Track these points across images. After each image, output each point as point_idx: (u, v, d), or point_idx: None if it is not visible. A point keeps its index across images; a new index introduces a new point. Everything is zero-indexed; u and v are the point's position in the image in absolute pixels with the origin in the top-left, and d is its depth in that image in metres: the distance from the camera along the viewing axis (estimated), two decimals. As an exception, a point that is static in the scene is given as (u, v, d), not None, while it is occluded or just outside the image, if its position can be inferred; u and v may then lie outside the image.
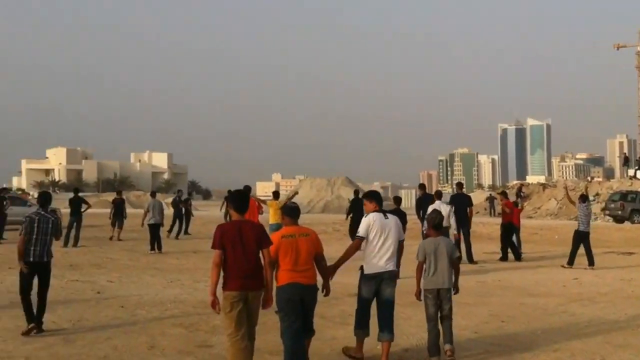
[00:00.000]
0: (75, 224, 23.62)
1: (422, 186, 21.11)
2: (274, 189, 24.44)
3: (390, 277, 7.99)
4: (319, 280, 7.45)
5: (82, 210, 24.40)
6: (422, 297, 8.20)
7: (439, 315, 8.13)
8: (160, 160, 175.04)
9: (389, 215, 8.11)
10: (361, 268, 8.07)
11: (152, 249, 21.55)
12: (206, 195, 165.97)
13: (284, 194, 53.88)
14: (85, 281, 14.64)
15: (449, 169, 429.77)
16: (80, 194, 25.47)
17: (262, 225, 7.33)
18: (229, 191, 8.65)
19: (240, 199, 7.10)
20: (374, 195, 8.35)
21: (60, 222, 10.00)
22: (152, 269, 17.31)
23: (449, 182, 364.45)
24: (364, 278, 7.96)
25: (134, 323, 10.13)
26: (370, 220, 7.92)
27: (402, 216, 16.06)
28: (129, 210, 31.90)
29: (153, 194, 24.43)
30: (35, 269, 9.56)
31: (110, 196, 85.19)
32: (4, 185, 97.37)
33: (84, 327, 9.84)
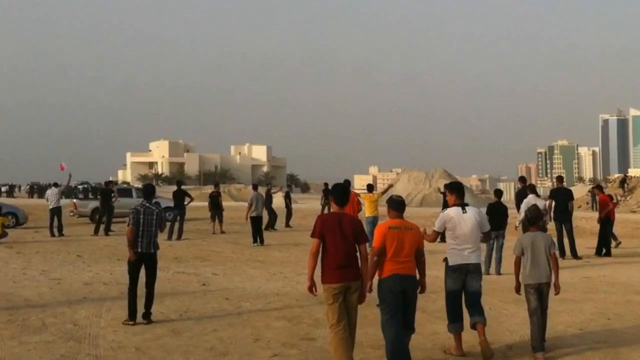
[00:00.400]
0: (178, 217, 24.32)
1: (522, 179, 20.65)
2: (370, 182, 24.45)
3: (476, 269, 8.04)
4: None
5: (185, 203, 25.17)
6: (522, 292, 8.12)
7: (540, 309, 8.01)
8: (259, 153, 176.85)
9: (467, 208, 8.15)
10: (445, 260, 8.12)
11: (255, 241, 21.96)
12: (304, 188, 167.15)
13: (381, 187, 53.72)
14: (191, 273, 15.07)
15: (548, 161, 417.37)
16: (182, 187, 26.23)
17: (360, 220, 7.46)
18: (326, 184, 8.79)
19: (341, 192, 7.31)
20: (454, 188, 8.39)
21: (163, 214, 10.32)
22: (255, 261, 17.65)
23: (548, 175, 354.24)
24: (449, 270, 8.02)
25: (238, 315, 10.38)
26: (447, 215, 8.05)
27: (503, 210, 15.81)
28: (230, 203, 32.66)
29: (255, 187, 24.80)
30: (143, 260, 9.93)
31: (210, 189, 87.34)
32: (110, 178, 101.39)
33: (190, 318, 10.15)
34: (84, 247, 20.73)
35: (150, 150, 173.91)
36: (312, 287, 6.99)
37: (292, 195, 34.54)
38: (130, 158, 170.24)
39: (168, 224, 22.55)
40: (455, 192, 8.28)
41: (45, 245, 21.02)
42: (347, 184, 17.11)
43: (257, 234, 22.11)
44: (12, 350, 8.13)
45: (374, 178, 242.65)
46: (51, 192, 25.82)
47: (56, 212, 25.25)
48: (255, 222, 22.32)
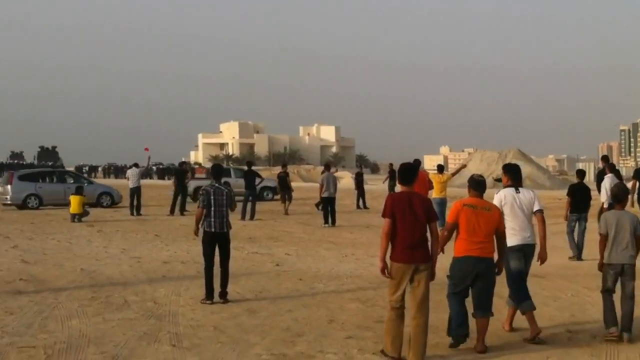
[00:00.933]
0: (250, 197, 24.66)
1: (605, 158, 19.93)
2: (440, 163, 24.23)
3: (531, 251, 8.06)
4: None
5: (257, 183, 25.53)
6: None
7: (615, 294, 7.86)
8: (328, 133, 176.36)
9: (521, 189, 8.13)
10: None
11: (326, 222, 22.12)
12: (374, 169, 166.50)
13: (452, 168, 53.21)
14: (264, 253, 15.33)
15: (632, 140, 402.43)
16: (253, 168, 26.55)
17: (430, 199, 7.44)
18: (391, 165, 8.78)
19: (405, 171, 7.19)
20: (509, 169, 8.39)
21: (233, 194, 10.40)
22: (327, 242, 17.81)
23: (632, 154, 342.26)
24: (510, 251, 7.91)
25: (312, 296, 10.52)
26: (501, 196, 8.01)
27: (585, 191, 15.25)
28: (300, 184, 32.87)
29: (327, 167, 24.89)
30: (216, 239, 10.09)
31: (266, 171, 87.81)
32: (183, 159, 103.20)
33: (265, 298, 10.34)
34: (161, 226, 21.31)
35: (220, 132, 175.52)
36: (384, 269, 6.94)
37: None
38: (201, 139, 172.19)
39: (240, 204, 22.89)
40: (508, 173, 8.27)
41: (125, 225, 21.69)
42: (417, 163, 17.04)
43: (329, 215, 22.25)
44: (96, 326, 8.47)
45: (445, 158, 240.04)
46: (131, 172, 26.53)
47: (136, 191, 25.94)
48: (328, 202, 22.46)
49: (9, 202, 28.26)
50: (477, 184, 7.58)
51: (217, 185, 10.25)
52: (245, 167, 26.37)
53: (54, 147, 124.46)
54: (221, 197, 10.12)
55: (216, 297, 9.96)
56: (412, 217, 6.90)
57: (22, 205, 28.04)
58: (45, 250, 15.45)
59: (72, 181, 29.93)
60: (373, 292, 10.74)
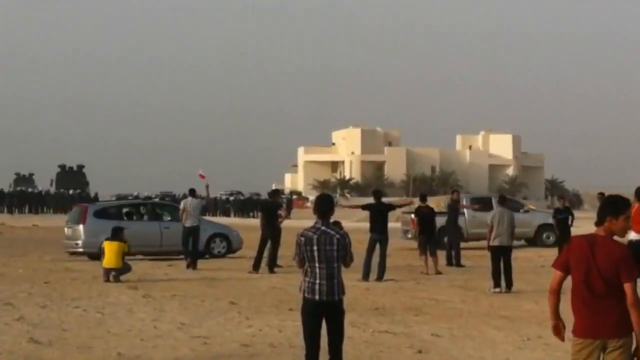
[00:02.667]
0: (378, 244, 24.53)
1: None
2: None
3: None
4: None
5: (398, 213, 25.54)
6: None
7: None
8: (501, 146, 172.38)
9: None
10: None
11: (497, 285, 21.74)
12: (576, 202, 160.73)
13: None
14: (399, 333, 15.20)
15: None
16: (384, 199, 26.41)
17: (623, 247, 7.47)
18: (601, 194, 8.71)
19: (611, 203, 7.48)
20: None
21: (349, 240, 10.16)
22: (498, 317, 17.54)
23: None
24: None
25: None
26: None
27: None
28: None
29: (502, 200, 24.38)
30: (322, 311, 9.95)
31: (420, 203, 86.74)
32: (274, 187, 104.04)
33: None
34: (240, 289, 21.57)
35: (333, 144, 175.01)
36: (558, 326, 7.55)
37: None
38: (303, 156, 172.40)
39: (359, 254, 22.80)
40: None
41: (184, 286, 22.07)
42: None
43: (501, 274, 21.84)
44: None
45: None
46: (189, 204, 27.17)
47: (193, 232, 26.51)
48: (499, 253, 22.05)
49: (80, 249, 29.80)
50: None
51: (323, 228, 10.08)
52: (372, 199, 26.27)
53: (80, 167, 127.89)
54: (330, 246, 9.93)
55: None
56: (596, 271, 7.25)
57: (99, 254, 29.27)
58: (65, 325, 15.78)
59: (169, 218, 31.39)
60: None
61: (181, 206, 28.48)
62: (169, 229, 29.79)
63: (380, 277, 23.96)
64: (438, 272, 26.12)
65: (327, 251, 9.89)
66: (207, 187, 30.61)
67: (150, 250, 29.72)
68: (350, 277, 22.57)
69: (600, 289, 7.23)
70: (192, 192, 28.79)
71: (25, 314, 17.08)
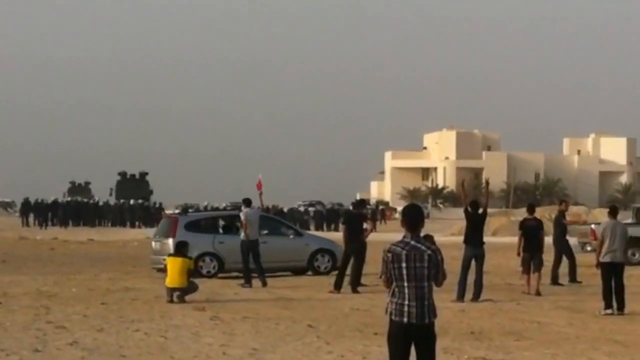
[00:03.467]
0: (474, 260, 24.45)
1: None
2: None
3: None
4: None
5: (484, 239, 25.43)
6: None
7: None
8: (613, 150, 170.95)
9: None
10: None
11: (609, 306, 21.52)
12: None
13: None
14: (498, 360, 15.14)
15: None
16: (480, 210, 26.36)
17: None
18: None
19: None
20: None
21: (442, 257, 9.99)
22: (610, 342, 17.40)
23: None
24: None
25: None
26: None
27: None
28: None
29: (612, 211, 24.09)
30: (411, 335, 9.83)
31: (501, 215, 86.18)
32: (358, 196, 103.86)
33: None
34: (319, 311, 21.63)
35: (424, 148, 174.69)
36: None
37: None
38: (390, 161, 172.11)
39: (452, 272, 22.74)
40: None
41: (257, 307, 22.17)
42: None
43: (613, 294, 21.63)
44: None
45: None
46: (250, 214, 27.49)
47: (254, 246, 26.80)
48: (611, 271, 21.83)
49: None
50: None
51: (412, 242, 9.93)
52: (469, 208, 26.18)
53: (142, 175, 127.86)
54: (420, 263, 9.79)
55: None
56: None
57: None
58: (124, 350, 15.95)
59: (265, 231, 31.53)
60: None
61: (242, 218, 28.59)
62: (266, 244, 29.69)
63: (476, 297, 23.87)
64: (538, 293, 25.87)
65: (416, 268, 9.74)
66: (260, 195, 30.71)
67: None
68: (443, 298, 22.56)
69: None
70: (248, 202, 28.92)
71: (80, 337, 17.27)
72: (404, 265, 9.72)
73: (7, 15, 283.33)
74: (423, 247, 9.81)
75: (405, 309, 9.73)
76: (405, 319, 9.73)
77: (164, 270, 29.68)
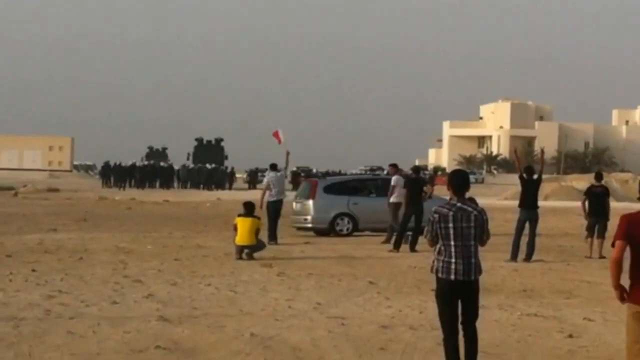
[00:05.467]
0: (528, 222, 24.35)
1: None
2: None
3: None
4: None
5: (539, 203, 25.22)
6: None
7: None
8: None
9: None
10: None
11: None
12: None
13: None
14: (549, 317, 15.05)
15: None
16: (535, 175, 26.20)
17: None
18: None
19: None
20: None
21: (487, 217, 10.21)
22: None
23: None
24: None
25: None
26: None
27: None
28: (613, 204, 31.86)
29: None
30: (458, 291, 9.98)
31: (576, 180, 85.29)
32: (417, 163, 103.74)
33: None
34: (378, 268, 21.62)
35: (481, 118, 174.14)
36: (622, 294, 8.71)
37: None
38: (448, 130, 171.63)
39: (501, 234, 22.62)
40: None
41: (321, 265, 22.23)
42: None
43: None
44: None
45: None
46: (274, 178, 28.08)
47: (276, 207, 27.54)
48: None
49: (309, 224, 31.33)
50: None
51: (459, 204, 10.00)
52: (524, 174, 26.06)
53: (218, 141, 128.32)
54: (467, 223, 9.91)
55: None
56: None
57: (328, 230, 30.36)
58: (196, 303, 16.03)
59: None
60: None
61: (264, 180, 28.94)
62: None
63: (529, 257, 23.71)
64: (602, 257, 25.57)
65: (463, 228, 9.92)
66: (287, 154, 30.13)
67: (380, 226, 30.07)
68: (497, 257, 22.63)
69: None
70: (274, 167, 29.24)
71: (155, 291, 17.42)
72: (450, 225, 9.88)
73: None
74: (469, 208, 10.01)
75: (453, 266, 9.88)
76: (453, 276, 9.88)
77: (304, 229, 30.40)
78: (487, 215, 10.14)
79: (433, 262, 10.02)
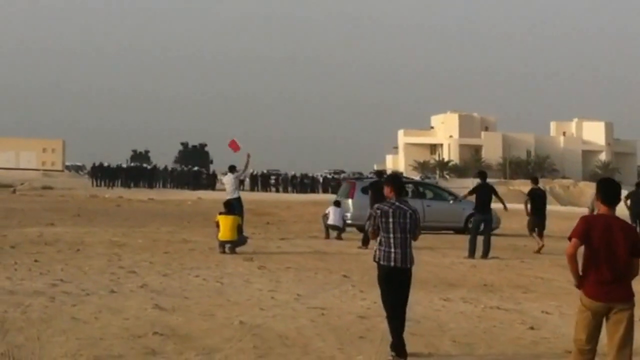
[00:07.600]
0: (483, 224, 24.41)
1: None
2: None
3: None
4: None
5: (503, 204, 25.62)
6: None
7: None
8: (594, 133, 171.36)
9: None
10: None
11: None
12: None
13: None
14: (510, 309, 15.03)
15: None
16: (487, 180, 26.27)
17: (634, 228, 8.70)
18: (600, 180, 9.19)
19: (607, 187, 8.73)
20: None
21: (418, 216, 11.17)
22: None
23: None
24: None
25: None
26: None
27: None
28: (553, 207, 32.16)
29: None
30: (396, 277, 10.92)
31: (523, 185, 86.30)
32: (375, 167, 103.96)
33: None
34: (350, 263, 21.49)
35: (432, 127, 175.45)
36: (580, 286, 8.81)
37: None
38: (402, 138, 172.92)
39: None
40: None
41: (297, 259, 22.09)
42: None
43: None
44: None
45: None
46: (226, 178, 28.23)
47: (233, 204, 26.94)
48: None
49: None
50: None
51: (397, 204, 11.02)
52: (479, 180, 26.10)
53: (202, 146, 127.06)
54: (403, 219, 10.91)
55: None
56: (608, 247, 8.51)
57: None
58: (187, 293, 15.91)
59: (431, 196, 33.59)
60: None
61: (223, 182, 29.30)
62: (430, 207, 31.71)
63: (485, 255, 23.77)
64: (540, 249, 25.87)
65: (401, 223, 10.92)
66: (248, 156, 29.91)
67: None
68: (458, 255, 22.68)
69: (615, 260, 8.55)
70: (232, 168, 29.51)
71: (148, 281, 17.27)
72: (391, 220, 10.94)
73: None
74: (405, 207, 11.09)
75: (392, 255, 10.95)
76: (392, 263, 10.95)
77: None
78: (419, 215, 11.24)
79: (375, 251, 11.08)
